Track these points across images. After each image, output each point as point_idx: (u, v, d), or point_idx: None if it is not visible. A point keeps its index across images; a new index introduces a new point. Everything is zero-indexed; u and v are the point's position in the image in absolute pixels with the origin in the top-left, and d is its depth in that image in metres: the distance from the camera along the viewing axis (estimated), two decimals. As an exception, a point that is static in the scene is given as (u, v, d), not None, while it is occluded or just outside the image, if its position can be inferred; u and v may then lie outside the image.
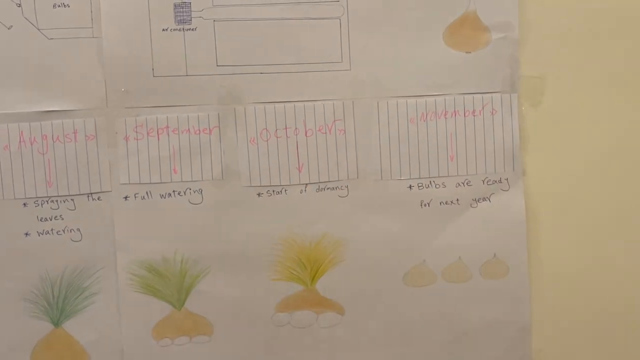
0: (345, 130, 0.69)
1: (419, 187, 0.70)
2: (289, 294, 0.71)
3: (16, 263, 0.67)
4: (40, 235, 0.67)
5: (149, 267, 0.69)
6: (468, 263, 0.72)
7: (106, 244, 0.68)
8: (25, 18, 0.65)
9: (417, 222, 0.71)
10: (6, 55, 0.65)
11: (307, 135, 0.69)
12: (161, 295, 0.69)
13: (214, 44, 0.67)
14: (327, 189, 0.70)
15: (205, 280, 0.69)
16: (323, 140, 0.69)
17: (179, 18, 0.66)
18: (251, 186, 0.69)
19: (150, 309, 0.69)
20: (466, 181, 0.71)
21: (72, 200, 0.67)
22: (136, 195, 0.68)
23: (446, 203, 0.71)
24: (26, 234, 0.67)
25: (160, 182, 0.68)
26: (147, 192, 0.68)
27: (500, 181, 0.71)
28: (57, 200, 0.67)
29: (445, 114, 0.70)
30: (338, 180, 0.70)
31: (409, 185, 0.70)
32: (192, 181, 0.68)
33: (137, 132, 0.67)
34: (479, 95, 0.70)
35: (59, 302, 0.68)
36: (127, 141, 0.67)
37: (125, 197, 0.68)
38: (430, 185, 0.70)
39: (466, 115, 0.70)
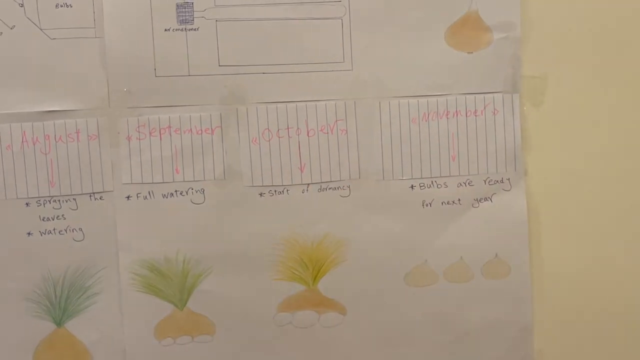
0: (347, 130, 0.69)
1: (420, 187, 0.70)
2: (290, 293, 0.71)
3: (18, 263, 0.67)
4: (43, 235, 0.67)
5: (151, 267, 0.69)
6: (470, 263, 0.72)
7: (108, 243, 0.68)
8: (28, 18, 0.65)
9: (419, 222, 0.71)
10: (9, 55, 0.65)
11: (309, 135, 0.69)
12: (163, 295, 0.69)
13: (216, 44, 0.67)
14: (329, 189, 0.70)
15: (207, 280, 0.70)
16: (325, 140, 0.69)
17: (181, 18, 0.66)
18: (253, 186, 0.69)
19: (153, 309, 0.69)
20: (468, 181, 0.71)
21: (74, 200, 0.67)
22: (138, 195, 0.68)
23: (448, 203, 0.71)
24: (28, 233, 0.67)
25: (163, 182, 0.68)
26: (149, 192, 0.68)
27: (502, 181, 0.71)
28: (59, 200, 0.67)
29: (447, 114, 0.70)
30: (340, 180, 0.70)
31: (410, 185, 0.70)
32: (194, 181, 0.68)
33: (139, 132, 0.67)
34: (481, 95, 0.70)
35: (62, 302, 0.68)
36: (129, 141, 0.67)
37: (128, 197, 0.68)
38: (432, 185, 0.70)
39: (468, 115, 0.70)
